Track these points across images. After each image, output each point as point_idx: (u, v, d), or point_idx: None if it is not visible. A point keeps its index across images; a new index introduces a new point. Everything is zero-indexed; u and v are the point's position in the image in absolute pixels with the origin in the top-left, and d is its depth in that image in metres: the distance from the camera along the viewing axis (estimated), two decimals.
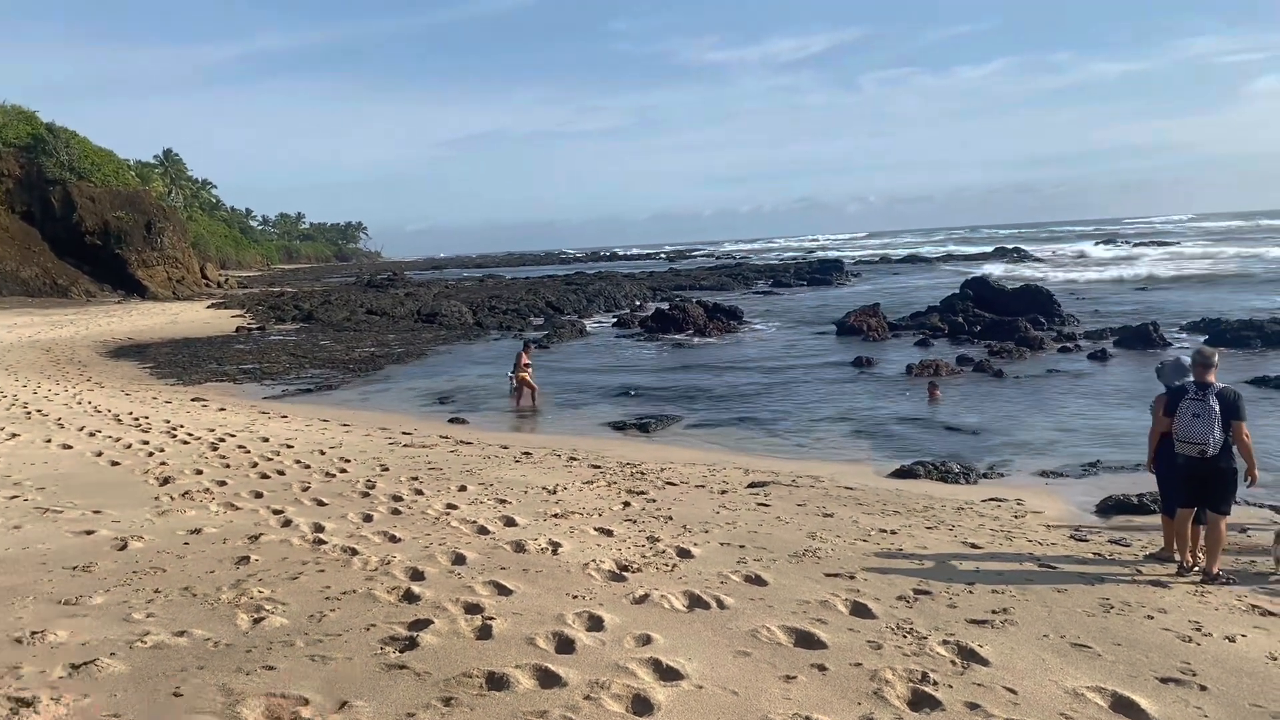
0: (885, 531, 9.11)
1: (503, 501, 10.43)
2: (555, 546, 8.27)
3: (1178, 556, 8.06)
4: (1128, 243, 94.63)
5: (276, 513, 9.77)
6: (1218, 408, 7.68)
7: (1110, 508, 10.60)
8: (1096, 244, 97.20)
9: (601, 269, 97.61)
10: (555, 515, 9.69)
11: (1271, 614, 6.75)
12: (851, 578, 7.41)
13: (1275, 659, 5.86)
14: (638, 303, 51.43)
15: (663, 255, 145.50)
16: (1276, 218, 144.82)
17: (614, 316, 43.79)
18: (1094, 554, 8.47)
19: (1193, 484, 7.97)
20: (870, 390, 20.79)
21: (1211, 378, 7.87)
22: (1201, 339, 25.99)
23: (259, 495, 10.72)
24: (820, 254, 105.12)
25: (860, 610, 6.59)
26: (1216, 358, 8.06)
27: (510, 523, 9.34)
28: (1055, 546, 8.73)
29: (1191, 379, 7.99)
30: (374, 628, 6.12)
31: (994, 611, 6.62)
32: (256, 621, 6.22)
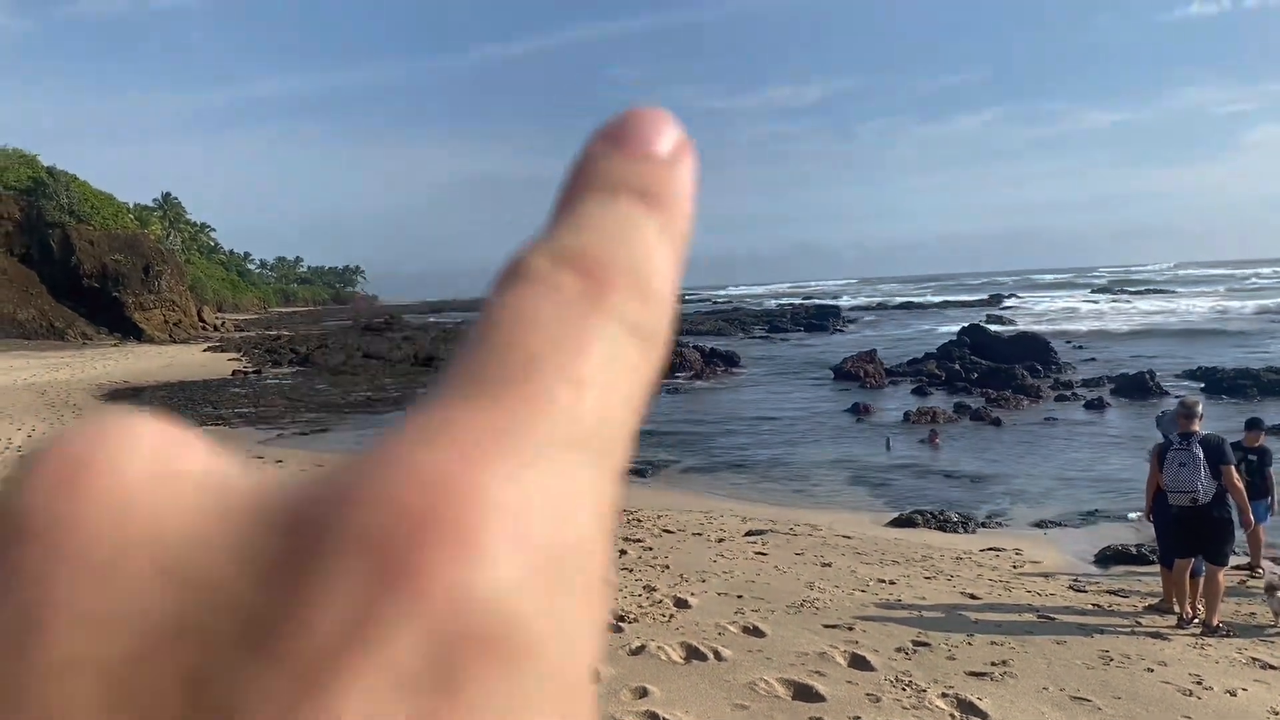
0: (884, 582, 9.06)
1: None
2: None
3: (1177, 608, 8.02)
4: (1124, 291, 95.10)
5: None
6: (1201, 454, 7.72)
7: (1109, 558, 10.56)
8: (1092, 292, 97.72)
9: None
10: None
11: (1272, 667, 6.71)
12: (850, 629, 7.36)
13: (1277, 713, 5.82)
14: None
15: None
16: (1262, 265, 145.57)
17: None
18: (1093, 605, 8.43)
19: (1188, 534, 7.98)
20: (868, 437, 20.77)
21: (1195, 427, 7.92)
22: (1199, 387, 26.04)
23: None
24: (818, 300, 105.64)
25: (859, 662, 6.54)
26: (1200, 408, 8.13)
27: None
28: (1054, 597, 8.69)
29: (1177, 430, 8.05)
30: None
31: (993, 663, 6.57)
32: None
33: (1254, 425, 10.56)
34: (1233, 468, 7.83)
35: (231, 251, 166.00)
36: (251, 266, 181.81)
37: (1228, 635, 7.54)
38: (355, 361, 44.70)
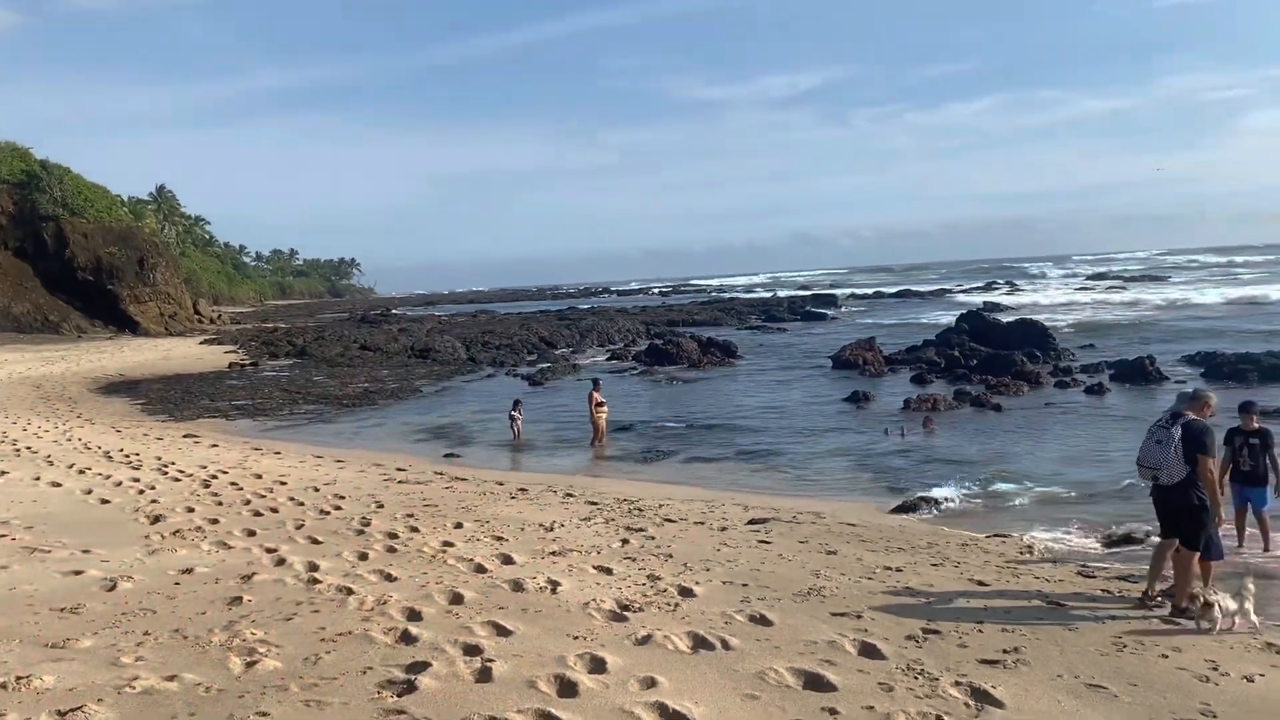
0: (890, 569, 8.96)
1: (499, 539, 10.26)
2: (554, 585, 8.11)
3: (1152, 587, 7.87)
4: (1119, 277, 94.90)
5: (270, 551, 9.59)
6: (1178, 436, 7.61)
7: (1116, 541, 10.45)
8: (1088, 278, 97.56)
9: (595, 304, 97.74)
10: (553, 553, 9.53)
11: None
12: (859, 617, 7.25)
13: None
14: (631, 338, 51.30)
15: (656, 291, 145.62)
16: (1248, 253, 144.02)
17: (608, 351, 43.74)
18: (1103, 590, 8.32)
19: (1160, 513, 7.93)
20: (868, 425, 20.67)
21: (1189, 413, 7.80)
22: (1199, 372, 25.95)
23: (252, 533, 10.54)
24: (814, 289, 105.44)
25: (869, 651, 6.44)
26: (1205, 398, 8.01)
27: (508, 560, 9.18)
28: (1063, 583, 8.58)
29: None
30: (371, 670, 5.95)
31: (1005, 651, 6.47)
32: (249, 665, 6.04)
33: (1247, 408, 10.41)
34: (1207, 459, 7.66)
35: (227, 244, 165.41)
36: (247, 259, 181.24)
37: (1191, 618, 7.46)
38: (352, 353, 44.56)
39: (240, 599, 7.69)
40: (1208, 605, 6.97)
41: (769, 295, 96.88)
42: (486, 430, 21.89)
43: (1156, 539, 8.50)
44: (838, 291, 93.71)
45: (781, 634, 6.82)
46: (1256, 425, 10.15)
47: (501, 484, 14.68)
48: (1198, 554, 7.82)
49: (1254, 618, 7.04)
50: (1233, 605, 7.03)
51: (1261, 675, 6.11)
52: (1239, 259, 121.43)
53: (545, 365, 36.64)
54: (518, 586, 8.09)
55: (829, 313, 66.03)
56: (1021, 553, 10.08)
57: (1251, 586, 7.20)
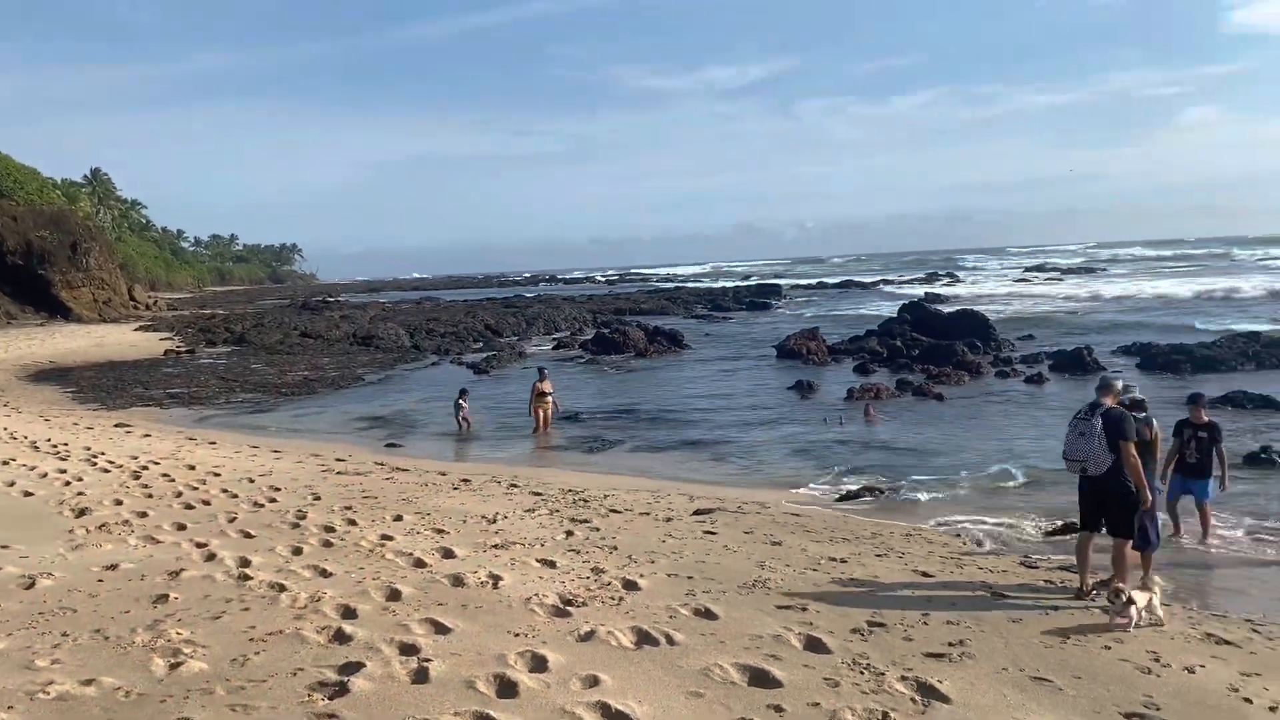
0: (835, 560, 8.91)
1: (440, 532, 10.04)
2: (496, 579, 7.93)
3: (1083, 582, 7.91)
4: (1056, 269, 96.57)
5: (200, 546, 9.28)
6: (1099, 426, 7.66)
7: (1057, 532, 10.51)
8: (1026, 270, 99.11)
9: (541, 292, 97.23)
10: (495, 546, 9.34)
11: (1227, 643, 6.66)
12: (804, 609, 7.18)
13: (1236, 690, 5.74)
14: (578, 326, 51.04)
15: (602, 279, 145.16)
16: (1179, 247, 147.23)
17: (554, 340, 43.45)
18: (1045, 581, 8.35)
19: (1088, 505, 7.98)
20: (812, 414, 20.69)
21: (1107, 400, 7.87)
22: (1134, 363, 26.41)
23: (182, 527, 10.20)
24: (756, 279, 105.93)
25: (815, 645, 6.36)
26: (1117, 386, 8.10)
27: (448, 554, 8.97)
28: (1006, 574, 8.60)
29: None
30: (302, 672, 5.72)
31: (951, 644, 6.43)
32: (173, 667, 5.79)
33: (1196, 400, 10.49)
34: (1130, 444, 7.72)
35: (164, 229, 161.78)
36: (185, 244, 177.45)
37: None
38: (292, 340, 43.75)
39: (166, 597, 7.40)
40: (1128, 602, 6.99)
41: (715, 285, 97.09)
42: (430, 419, 21.56)
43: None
44: (782, 281, 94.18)
45: (727, 628, 6.71)
46: (1206, 419, 10.24)
47: (444, 475, 14.42)
48: (1130, 541, 7.87)
49: (1159, 612, 7.09)
50: (1142, 600, 7.07)
51: (1202, 666, 6.14)
52: (1168, 253, 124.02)
53: (491, 353, 36.31)
54: (458, 581, 7.89)
55: (774, 303, 66.31)
56: (965, 543, 10.12)
57: (1159, 581, 7.29)
